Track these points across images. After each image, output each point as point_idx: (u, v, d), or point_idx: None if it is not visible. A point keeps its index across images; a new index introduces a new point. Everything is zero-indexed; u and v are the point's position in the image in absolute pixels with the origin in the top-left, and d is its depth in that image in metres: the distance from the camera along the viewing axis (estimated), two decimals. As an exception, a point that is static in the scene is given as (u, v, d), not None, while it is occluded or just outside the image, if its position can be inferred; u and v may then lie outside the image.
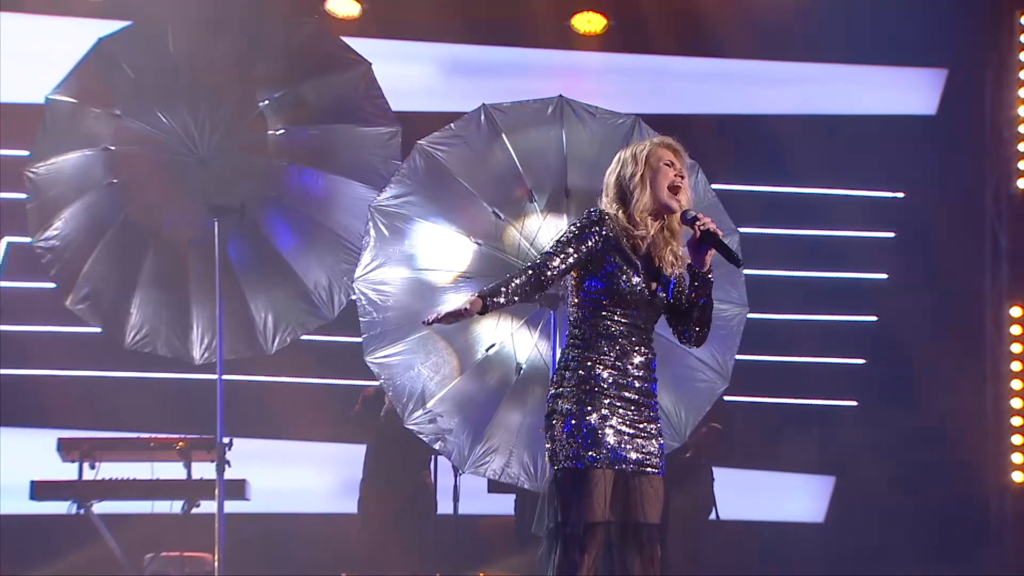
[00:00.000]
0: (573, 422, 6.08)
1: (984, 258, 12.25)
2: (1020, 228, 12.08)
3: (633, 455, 6.09)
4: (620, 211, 6.12)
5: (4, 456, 10.23)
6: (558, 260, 6.01)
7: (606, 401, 6.07)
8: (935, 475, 11.50)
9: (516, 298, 6.00)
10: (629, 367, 6.12)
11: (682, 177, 6.13)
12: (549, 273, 6.01)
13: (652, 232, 6.14)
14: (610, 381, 6.08)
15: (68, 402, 11.40)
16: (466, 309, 5.91)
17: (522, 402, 7.68)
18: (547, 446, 6.14)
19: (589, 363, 6.10)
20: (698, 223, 6.04)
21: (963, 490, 11.60)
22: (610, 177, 6.20)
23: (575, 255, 6.05)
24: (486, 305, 5.94)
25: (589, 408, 6.06)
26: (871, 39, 12.00)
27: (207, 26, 8.96)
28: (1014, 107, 12.11)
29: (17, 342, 11.63)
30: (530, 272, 6.02)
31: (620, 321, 6.12)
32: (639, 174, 6.10)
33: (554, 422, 6.11)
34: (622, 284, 6.08)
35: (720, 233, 6.04)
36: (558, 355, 6.55)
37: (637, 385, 6.13)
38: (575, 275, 6.16)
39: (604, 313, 6.12)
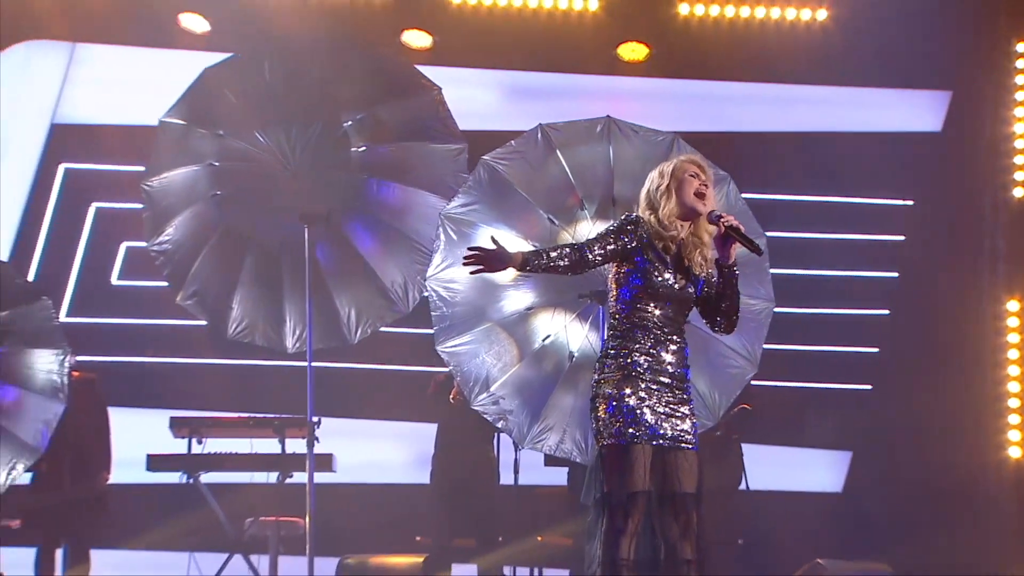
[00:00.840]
0: (614, 404, 6.10)
1: (983, 258, 12.13)
2: (1016, 232, 11.98)
3: (669, 432, 6.11)
4: (651, 216, 6.17)
5: (123, 433, 10.25)
6: (598, 247, 6.12)
7: (643, 384, 6.09)
8: (940, 450, 11.40)
9: (553, 265, 6.07)
10: (663, 354, 6.15)
11: (706, 186, 6.18)
12: (589, 256, 6.10)
13: (682, 235, 6.18)
14: (646, 366, 6.11)
15: (179, 386, 11.47)
16: (503, 250, 6.00)
17: (574, 386, 7.63)
18: (592, 426, 6.17)
19: (626, 351, 6.13)
20: (722, 220, 6.09)
21: (965, 464, 11.50)
22: (642, 192, 6.30)
23: (612, 246, 6.13)
24: (526, 260, 6.03)
25: (628, 391, 6.08)
26: (885, 65, 11.91)
27: (298, 57, 8.97)
28: (1011, 124, 12.01)
29: (135, 334, 11.73)
30: (572, 247, 6.13)
31: (654, 313, 6.15)
32: (664, 185, 6.21)
33: (598, 404, 6.15)
34: (655, 279, 6.12)
35: (741, 228, 6.06)
36: (604, 345, 6.52)
37: (671, 370, 6.16)
38: (614, 272, 6.22)
39: (640, 306, 6.16)
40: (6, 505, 9.42)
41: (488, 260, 6.06)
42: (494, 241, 6.08)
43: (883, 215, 12.41)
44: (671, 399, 6.15)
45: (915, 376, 11.72)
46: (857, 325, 12.29)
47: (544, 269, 6.14)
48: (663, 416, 6.12)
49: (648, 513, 6.16)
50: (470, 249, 6.10)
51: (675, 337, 6.21)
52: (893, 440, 11.65)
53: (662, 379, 6.14)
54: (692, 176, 6.20)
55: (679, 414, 6.17)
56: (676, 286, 6.18)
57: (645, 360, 6.13)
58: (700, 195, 6.17)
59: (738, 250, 6.18)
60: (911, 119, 12.48)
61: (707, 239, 6.22)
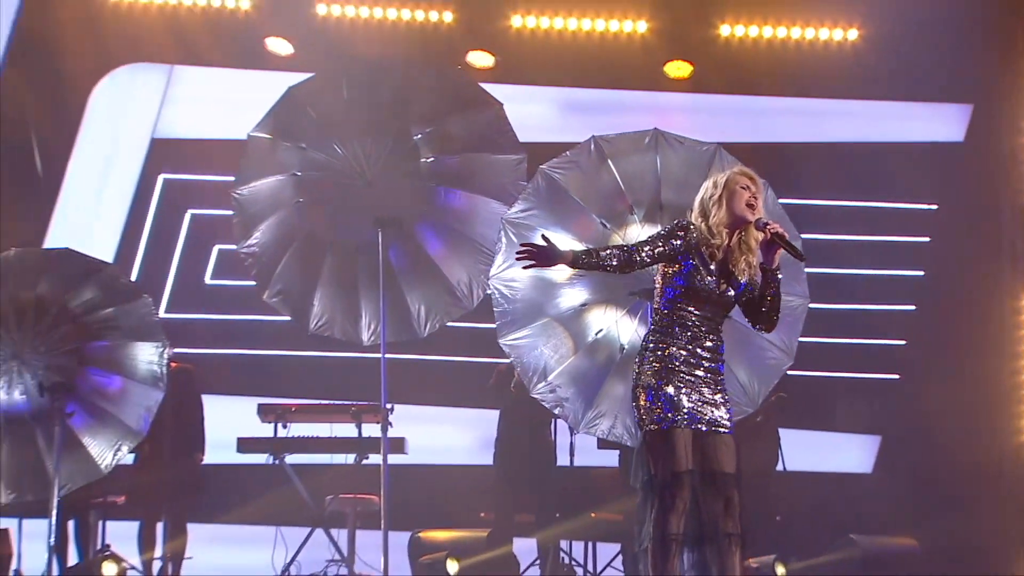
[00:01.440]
0: (653, 392, 6.07)
1: (1002, 258, 11.99)
2: (1032, 234, 11.89)
3: (707, 417, 6.08)
4: (703, 223, 6.11)
5: (216, 418, 10.31)
6: (648, 248, 6.05)
7: (679, 376, 6.05)
8: (963, 435, 11.27)
9: (602, 264, 6.01)
10: (699, 350, 6.10)
11: (756, 197, 6.10)
12: (637, 257, 6.02)
13: (729, 243, 6.12)
14: (682, 359, 6.06)
15: (266, 376, 11.53)
16: (554, 248, 5.96)
17: (624, 376, 7.54)
18: (635, 415, 6.13)
19: (664, 345, 6.10)
20: (768, 227, 6.02)
21: (985, 447, 11.39)
22: (697, 198, 6.21)
23: (661, 248, 6.06)
24: (577, 257, 6.00)
25: (666, 381, 6.04)
26: (911, 81, 11.85)
27: (373, 76, 8.96)
28: (1026, 135, 11.91)
29: (226, 328, 11.78)
30: (622, 248, 6.07)
31: (694, 313, 6.11)
32: (717, 195, 6.14)
33: (639, 394, 6.11)
34: (697, 282, 6.06)
35: (786, 235, 6.01)
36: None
37: (706, 365, 6.12)
38: (661, 271, 6.16)
39: (680, 305, 6.11)
40: (112, 483, 9.49)
41: (540, 256, 6.01)
42: (545, 239, 6.03)
43: (909, 218, 12.31)
44: (706, 390, 6.11)
45: (939, 366, 11.61)
46: (885, 319, 12.19)
47: (594, 267, 6.09)
48: (699, 404, 6.08)
49: (693, 492, 6.12)
50: (523, 245, 6.04)
51: (712, 336, 6.15)
52: (919, 425, 11.50)
53: (697, 372, 6.09)
54: (743, 188, 6.12)
55: (714, 402, 6.12)
56: (717, 290, 6.13)
57: (682, 354, 6.08)
58: (750, 206, 6.11)
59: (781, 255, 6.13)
60: (935, 130, 12.37)
61: (754, 245, 6.15)
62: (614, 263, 6.03)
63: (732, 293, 6.16)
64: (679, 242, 6.08)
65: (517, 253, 6.07)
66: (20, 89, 11.63)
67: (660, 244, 6.08)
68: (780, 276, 6.15)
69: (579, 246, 7.34)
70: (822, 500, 10.90)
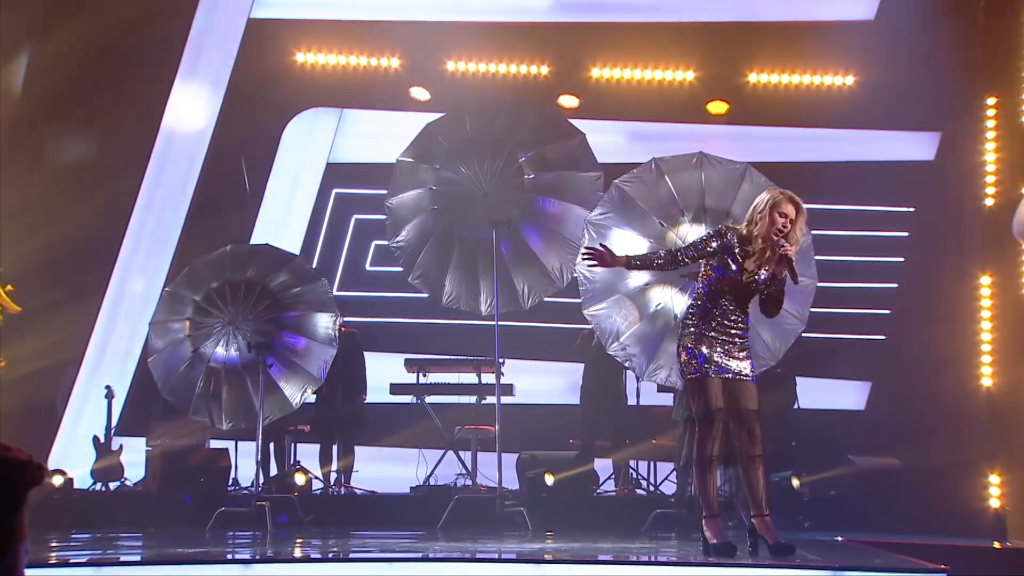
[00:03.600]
0: (691, 349, 6.00)
1: (965, 246, 11.60)
2: (987, 230, 11.38)
3: (733, 369, 6.04)
4: (745, 228, 6.02)
5: (373, 369, 10.35)
6: (691, 251, 6.05)
7: (711, 339, 5.99)
8: (934, 381, 10.95)
9: (653, 264, 6.12)
10: (726, 323, 6.02)
11: (788, 225, 5.93)
12: (680, 259, 6.04)
13: (759, 247, 5.96)
14: (713, 328, 5.98)
15: (410, 337, 11.50)
16: (611, 252, 6.07)
17: (677, 338, 7.45)
18: (677, 367, 6.13)
19: (700, 318, 6.07)
20: (781, 248, 5.89)
21: (951, 389, 11.00)
22: (754, 203, 6.07)
23: (700, 250, 6.03)
24: (631, 260, 6.10)
25: (700, 342, 6.00)
26: (895, 114, 11.56)
27: (489, 114, 8.95)
28: (983, 155, 11.42)
29: (381, 303, 11.79)
30: (669, 251, 6.11)
31: (725, 296, 6.03)
32: (761, 212, 5.98)
33: (680, 351, 6.10)
34: (728, 274, 5.96)
35: (793, 260, 5.88)
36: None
37: (732, 332, 6.03)
38: (704, 263, 6.07)
39: (715, 288, 6.04)
40: (300, 416, 9.58)
41: (602, 259, 6.06)
42: (603, 247, 6.08)
43: (893, 218, 11.99)
44: (733, 349, 6.02)
45: (916, 329, 11.31)
46: (875, 294, 11.92)
47: (645, 267, 6.20)
48: (727, 359, 5.99)
49: (724, 424, 6.02)
50: (587, 248, 6.13)
51: (738, 312, 6.05)
52: (901, 374, 11.26)
53: (724, 338, 6.00)
54: (781, 216, 5.93)
55: (739, 358, 6.02)
56: (741, 280, 6.00)
57: (712, 324, 6.00)
58: (780, 231, 5.92)
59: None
60: (913, 151, 12.02)
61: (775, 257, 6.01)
62: (660, 262, 6.08)
63: (754, 283, 6.02)
64: (719, 243, 6.01)
65: (582, 254, 6.11)
66: (234, 127, 11.77)
67: (698, 248, 6.04)
68: (780, 284, 6.01)
69: (643, 241, 7.24)
70: (827, 430, 10.70)
